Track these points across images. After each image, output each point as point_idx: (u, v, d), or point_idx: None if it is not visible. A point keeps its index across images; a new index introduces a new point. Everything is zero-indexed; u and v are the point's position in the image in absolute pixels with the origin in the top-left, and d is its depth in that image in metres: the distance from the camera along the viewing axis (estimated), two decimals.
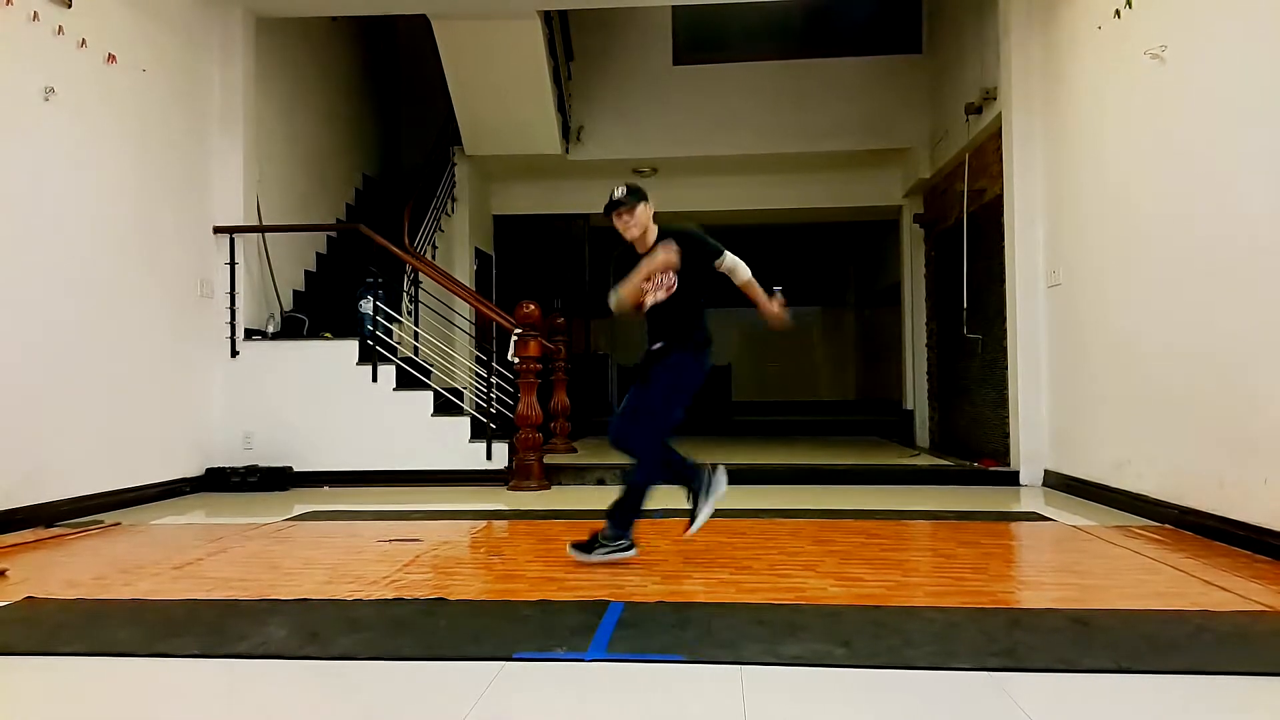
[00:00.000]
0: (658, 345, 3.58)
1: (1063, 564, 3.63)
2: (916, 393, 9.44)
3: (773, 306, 3.60)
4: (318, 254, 7.96)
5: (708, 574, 3.30)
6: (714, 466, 3.69)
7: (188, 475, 5.92)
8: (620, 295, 3.55)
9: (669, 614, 2.72)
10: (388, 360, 6.35)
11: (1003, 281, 6.35)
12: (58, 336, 4.77)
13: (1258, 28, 3.65)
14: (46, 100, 4.68)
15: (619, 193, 3.54)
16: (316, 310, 7.11)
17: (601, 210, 3.60)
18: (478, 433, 6.31)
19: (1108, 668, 2.19)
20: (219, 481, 6.01)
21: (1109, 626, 2.56)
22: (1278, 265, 3.52)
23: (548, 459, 6.32)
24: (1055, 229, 5.78)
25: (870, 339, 13.88)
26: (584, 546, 3.49)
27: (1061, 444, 5.75)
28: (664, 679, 2.19)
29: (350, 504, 5.34)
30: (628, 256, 3.61)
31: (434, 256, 8.61)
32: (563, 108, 8.77)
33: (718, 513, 4.77)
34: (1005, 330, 6.31)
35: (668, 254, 3.43)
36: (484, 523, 4.67)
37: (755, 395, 14.96)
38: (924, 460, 7.47)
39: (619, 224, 3.58)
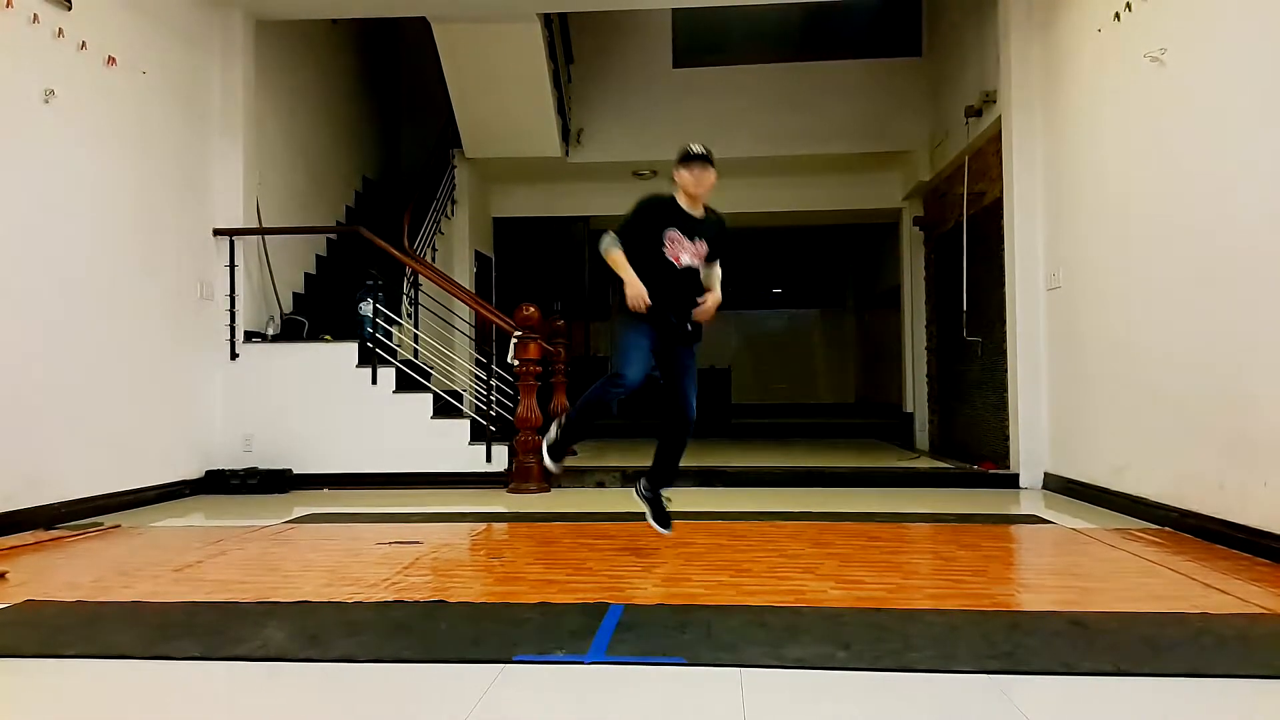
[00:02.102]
0: (689, 321, 3.72)
1: (1062, 567, 3.63)
2: (916, 396, 9.44)
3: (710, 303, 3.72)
4: (317, 256, 7.96)
5: (708, 576, 3.30)
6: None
7: (187, 477, 5.92)
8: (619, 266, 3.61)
9: (669, 616, 2.72)
10: (387, 363, 6.36)
11: (1002, 284, 6.35)
12: (57, 339, 4.77)
13: (1257, 30, 3.66)
14: (46, 102, 4.68)
15: (701, 148, 3.69)
16: (316, 313, 7.10)
17: (678, 158, 3.73)
18: (477, 435, 6.31)
19: (1107, 670, 2.19)
20: (219, 484, 6.00)
21: (1108, 629, 2.56)
22: (1277, 268, 3.52)
23: None
24: (1055, 232, 5.79)
25: (870, 342, 13.89)
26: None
27: (1061, 447, 5.75)
28: (664, 681, 2.19)
29: (350, 506, 5.34)
30: (661, 210, 3.72)
31: (434, 259, 8.61)
32: (562, 110, 8.78)
33: (718, 515, 4.79)
34: (1005, 333, 6.31)
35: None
36: (484, 525, 4.67)
37: (755, 398, 14.96)
38: (924, 463, 7.48)
39: (698, 177, 3.66)
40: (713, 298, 3.71)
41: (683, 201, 3.72)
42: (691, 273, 3.69)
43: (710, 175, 3.69)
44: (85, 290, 4.98)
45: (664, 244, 3.65)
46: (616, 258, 3.62)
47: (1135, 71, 4.58)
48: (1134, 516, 4.59)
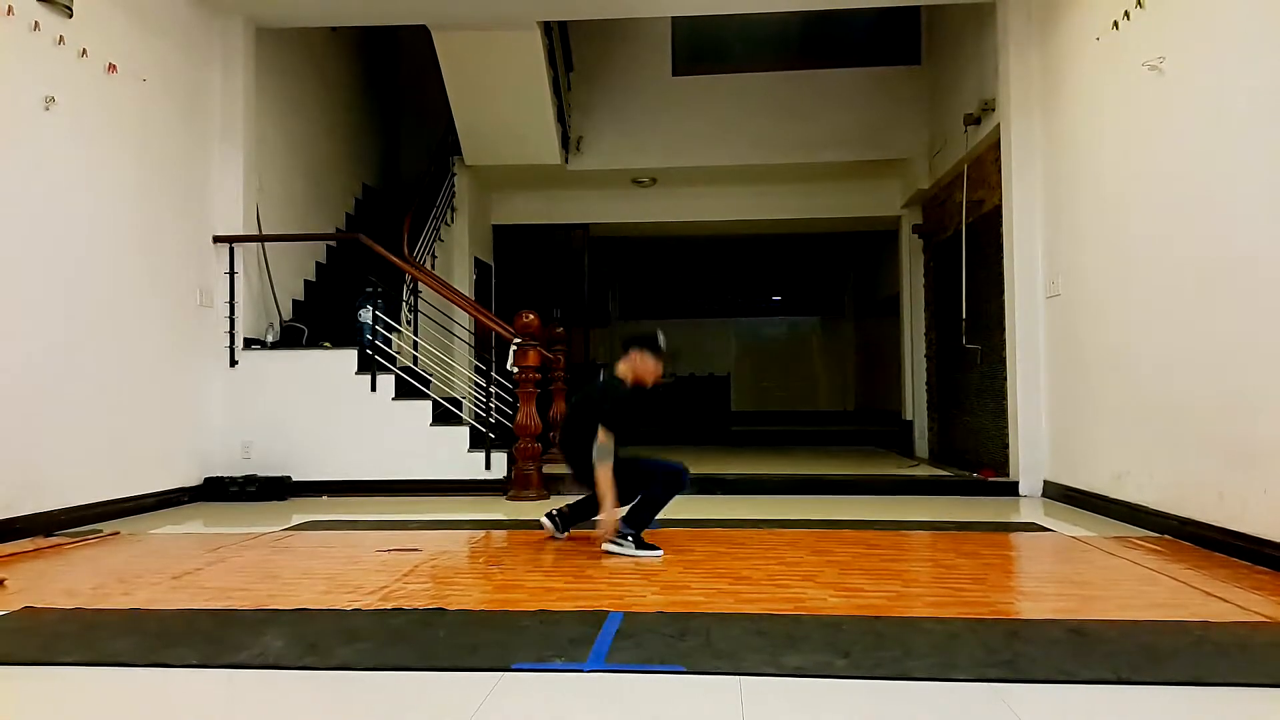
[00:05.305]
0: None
1: (1062, 575, 3.63)
2: (915, 403, 9.44)
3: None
4: (317, 263, 7.97)
5: (707, 584, 3.29)
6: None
7: (186, 485, 5.91)
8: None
9: (668, 624, 2.71)
10: (387, 370, 6.35)
11: (1001, 292, 6.35)
12: (57, 345, 4.77)
13: (1256, 38, 3.67)
14: (47, 110, 4.69)
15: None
16: (316, 320, 7.11)
17: (651, 342, 4.02)
18: (476, 442, 6.31)
19: (1107, 679, 2.19)
20: (217, 491, 6.00)
21: (1108, 637, 2.56)
22: (1275, 277, 3.53)
23: (547, 468, 6.30)
24: (1054, 240, 5.80)
25: (869, 349, 13.88)
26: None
27: (1061, 454, 5.75)
28: (663, 690, 2.18)
29: (349, 514, 5.33)
30: (633, 397, 3.99)
31: (433, 266, 8.62)
32: (562, 118, 8.79)
33: (717, 523, 4.79)
34: (1004, 341, 6.32)
35: None
36: (483, 532, 4.67)
37: (754, 405, 14.96)
38: (923, 471, 7.47)
39: (657, 369, 4.01)
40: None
41: (630, 381, 4.02)
42: None
43: (661, 368, 4.04)
44: (85, 297, 4.99)
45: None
46: (606, 480, 3.79)
47: (1134, 80, 4.59)
48: (1134, 524, 4.59)
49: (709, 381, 12.94)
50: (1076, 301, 5.45)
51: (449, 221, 9.11)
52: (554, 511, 4.26)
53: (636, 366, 4.00)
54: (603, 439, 3.77)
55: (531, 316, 6.06)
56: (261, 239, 6.62)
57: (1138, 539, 4.24)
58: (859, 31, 9.45)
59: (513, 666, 2.31)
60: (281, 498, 6.04)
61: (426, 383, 6.66)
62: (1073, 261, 5.49)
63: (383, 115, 10.01)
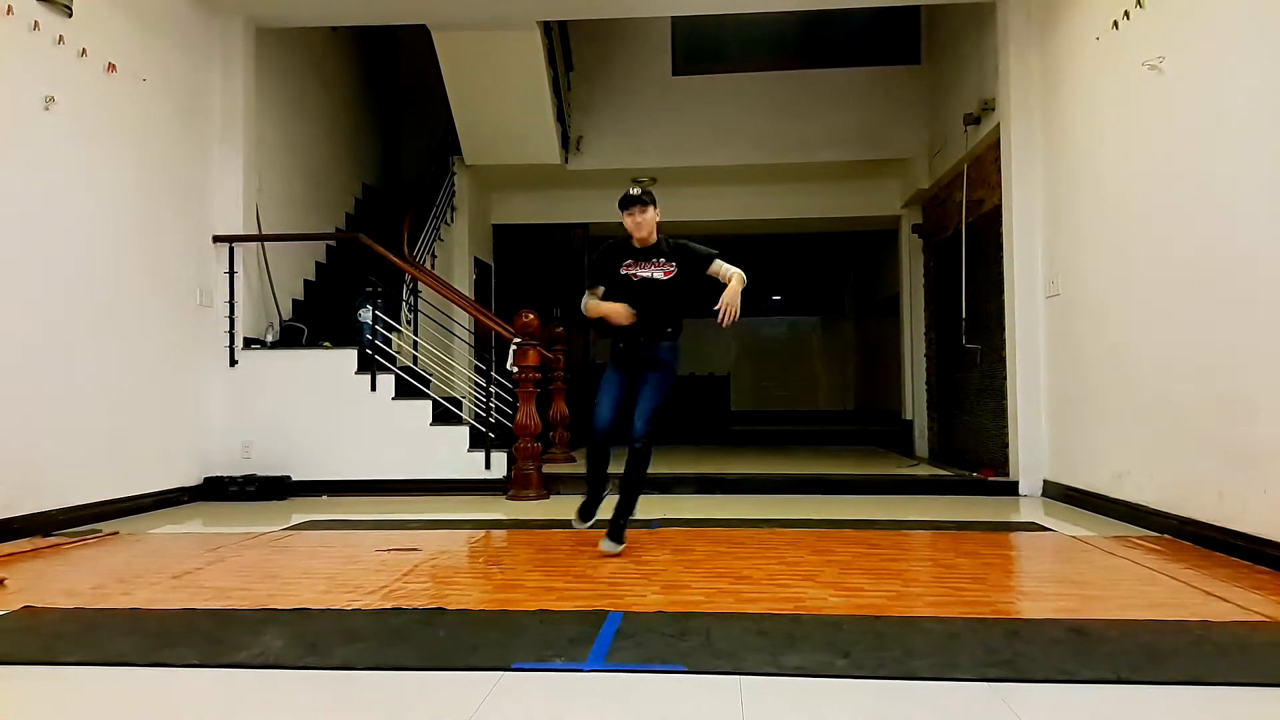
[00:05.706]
0: (650, 338, 3.91)
1: (1062, 574, 3.63)
2: (915, 403, 9.44)
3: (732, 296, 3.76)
4: (317, 263, 7.97)
5: (707, 584, 3.29)
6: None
7: (186, 484, 5.91)
8: (606, 311, 3.83)
9: (668, 624, 2.71)
10: (386, 369, 6.35)
11: (1001, 292, 6.35)
12: (57, 345, 4.77)
13: (1256, 38, 3.67)
14: (46, 109, 4.69)
15: (638, 190, 3.90)
16: (316, 319, 7.11)
17: (618, 204, 3.89)
18: (476, 442, 6.31)
19: (1107, 678, 2.19)
20: (217, 491, 6.00)
21: (1108, 637, 2.56)
22: (1275, 277, 3.53)
23: (547, 468, 6.31)
24: (1054, 239, 5.80)
25: (869, 349, 13.89)
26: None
27: (1061, 454, 5.75)
28: (663, 689, 2.18)
29: (348, 513, 5.33)
30: (615, 250, 3.95)
31: (433, 266, 8.62)
32: (562, 118, 8.79)
33: (717, 522, 4.78)
34: (1004, 340, 6.32)
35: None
36: (483, 532, 4.67)
37: (754, 405, 14.97)
38: (923, 470, 7.47)
39: (636, 221, 3.87)
40: (730, 289, 3.77)
41: (635, 242, 3.95)
42: (653, 284, 3.90)
43: (647, 213, 3.88)
44: (84, 297, 4.98)
45: (623, 271, 3.91)
46: (591, 305, 3.87)
47: (1134, 79, 4.59)
48: (1134, 524, 4.59)
49: (709, 381, 12.92)
50: (1076, 301, 5.45)
51: (449, 221, 9.11)
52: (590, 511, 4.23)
53: (627, 228, 3.95)
54: (585, 297, 3.91)
55: (531, 316, 6.06)
56: (261, 239, 6.62)
57: (1138, 539, 4.24)
58: (859, 31, 9.45)
59: (513, 666, 2.31)
60: (281, 497, 6.04)
61: (426, 382, 6.66)
62: (1073, 261, 5.49)
63: (383, 115, 10.01)
